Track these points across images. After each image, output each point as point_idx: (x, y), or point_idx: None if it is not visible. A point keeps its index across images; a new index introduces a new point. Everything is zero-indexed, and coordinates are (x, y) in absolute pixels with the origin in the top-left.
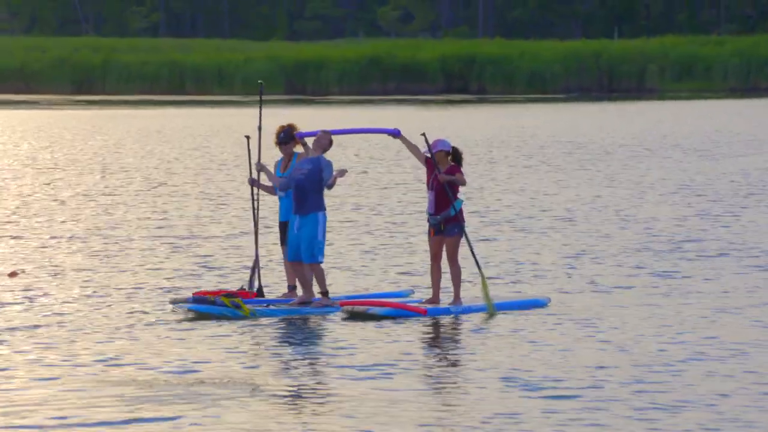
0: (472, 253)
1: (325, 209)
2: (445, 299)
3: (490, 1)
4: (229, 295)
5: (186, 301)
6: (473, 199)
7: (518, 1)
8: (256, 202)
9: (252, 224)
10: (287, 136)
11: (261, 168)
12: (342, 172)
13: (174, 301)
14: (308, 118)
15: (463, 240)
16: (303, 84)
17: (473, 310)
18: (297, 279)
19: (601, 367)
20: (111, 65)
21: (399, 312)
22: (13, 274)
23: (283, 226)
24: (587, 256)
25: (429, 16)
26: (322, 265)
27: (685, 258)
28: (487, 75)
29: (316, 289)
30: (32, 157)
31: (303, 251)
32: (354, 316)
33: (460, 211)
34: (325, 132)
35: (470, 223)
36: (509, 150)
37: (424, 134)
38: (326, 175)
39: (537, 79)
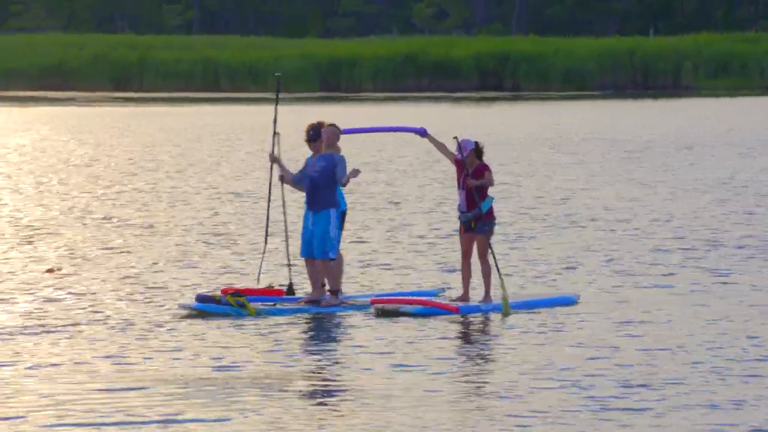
0: (492, 251)
1: (338, 206)
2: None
3: None
4: (236, 293)
5: (197, 299)
6: (511, 196)
7: None
8: (280, 199)
9: (282, 222)
10: (316, 134)
11: (274, 160)
12: (355, 173)
13: (183, 304)
14: (342, 116)
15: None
16: (337, 81)
17: (498, 308)
18: (309, 276)
19: (638, 365)
20: (147, 63)
21: (431, 310)
22: (50, 271)
23: None
24: (624, 253)
25: (463, 13)
26: (339, 262)
27: (726, 256)
28: (521, 72)
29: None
30: (70, 154)
31: (315, 247)
32: (385, 314)
33: (491, 210)
34: (331, 126)
35: (506, 221)
36: (545, 147)
37: (456, 138)
38: (339, 172)
39: (572, 76)
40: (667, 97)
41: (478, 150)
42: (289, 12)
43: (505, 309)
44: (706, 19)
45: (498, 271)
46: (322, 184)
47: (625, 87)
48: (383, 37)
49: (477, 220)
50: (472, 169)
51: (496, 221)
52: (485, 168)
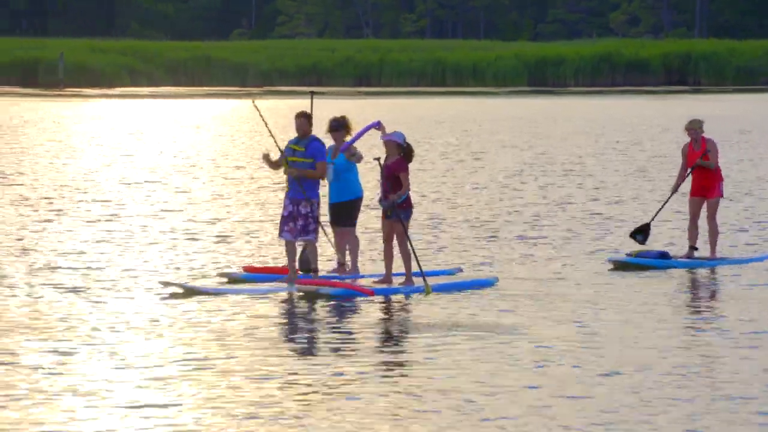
0: (408, 240)
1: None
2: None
3: (705, 7)
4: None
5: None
6: None
7: (729, 6)
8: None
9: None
10: (339, 125)
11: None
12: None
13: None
14: (545, 108)
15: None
16: (544, 78)
17: (420, 290)
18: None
19: (559, 345)
20: (386, 63)
21: (348, 292)
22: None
23: (334, 208)
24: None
25: (652, 19)
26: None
27: None
28: (701, 69)
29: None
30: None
31: None
32: (307, 297)
33: (408, 199)
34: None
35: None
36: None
37: (378, 159)
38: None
39: (744, 72)
40: None
41: (406, 150)
42: (505, 19)
43: (427, 289)
44: None
45: (415, 255)
46: None
47: None
48: (584, 40)
49: (392, 209)
50: (390, 162)
51: (413, 209)
52: (402, 167)
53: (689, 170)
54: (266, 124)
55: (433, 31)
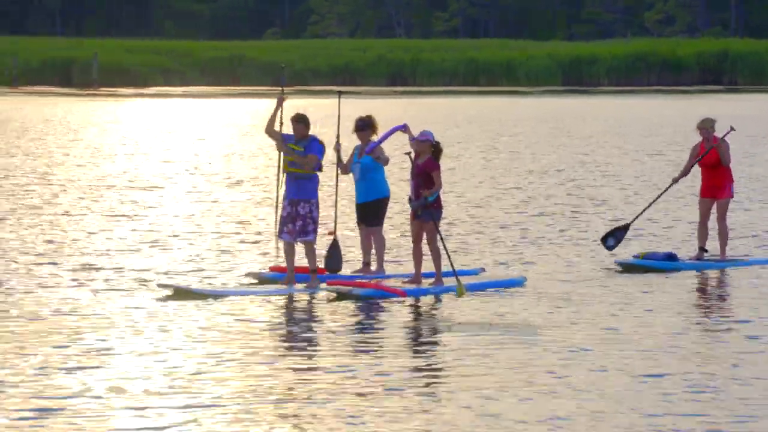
0: (440, 237)
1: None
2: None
3: (741, 7)
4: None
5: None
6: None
7: (766, 7)
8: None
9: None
10: (365, 125)
11: (338, 149)
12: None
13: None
14: (578, 107)
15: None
16: (577, 77)
17: (450, 290)
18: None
19: (588, 343)
20: (419, 63)
21: (380, 293)
22: (331, 233)
23: (360, 207)
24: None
25: (687, 19)
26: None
27: None
28: (738, 69)
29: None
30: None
31: None
32: (340, 296)
33: (438, 199)
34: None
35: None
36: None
37: (409, 153)
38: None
39: None
40: None
41: (436, 148)
42: (539, 19)
43: (459, 290)
44: None
45: (448, 255)
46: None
47: None
48: (618, 39)
49: (423, 209)
50: (422, 161)
51: (443, 209)
52: (434, 165)
53: (698, 158)
54: (282, 90)
55: (465, 30)
